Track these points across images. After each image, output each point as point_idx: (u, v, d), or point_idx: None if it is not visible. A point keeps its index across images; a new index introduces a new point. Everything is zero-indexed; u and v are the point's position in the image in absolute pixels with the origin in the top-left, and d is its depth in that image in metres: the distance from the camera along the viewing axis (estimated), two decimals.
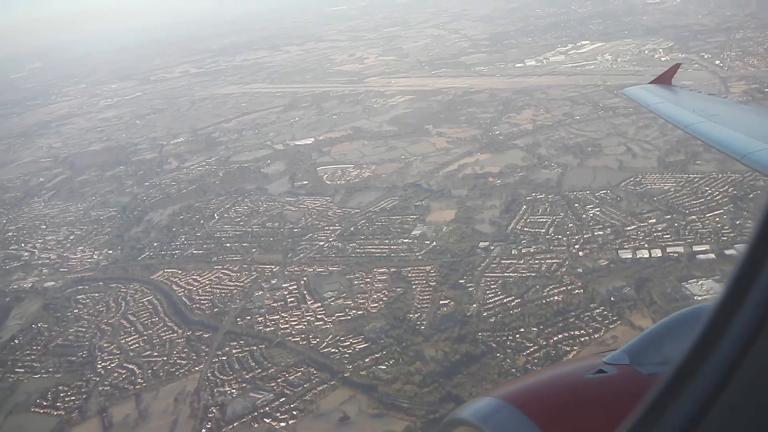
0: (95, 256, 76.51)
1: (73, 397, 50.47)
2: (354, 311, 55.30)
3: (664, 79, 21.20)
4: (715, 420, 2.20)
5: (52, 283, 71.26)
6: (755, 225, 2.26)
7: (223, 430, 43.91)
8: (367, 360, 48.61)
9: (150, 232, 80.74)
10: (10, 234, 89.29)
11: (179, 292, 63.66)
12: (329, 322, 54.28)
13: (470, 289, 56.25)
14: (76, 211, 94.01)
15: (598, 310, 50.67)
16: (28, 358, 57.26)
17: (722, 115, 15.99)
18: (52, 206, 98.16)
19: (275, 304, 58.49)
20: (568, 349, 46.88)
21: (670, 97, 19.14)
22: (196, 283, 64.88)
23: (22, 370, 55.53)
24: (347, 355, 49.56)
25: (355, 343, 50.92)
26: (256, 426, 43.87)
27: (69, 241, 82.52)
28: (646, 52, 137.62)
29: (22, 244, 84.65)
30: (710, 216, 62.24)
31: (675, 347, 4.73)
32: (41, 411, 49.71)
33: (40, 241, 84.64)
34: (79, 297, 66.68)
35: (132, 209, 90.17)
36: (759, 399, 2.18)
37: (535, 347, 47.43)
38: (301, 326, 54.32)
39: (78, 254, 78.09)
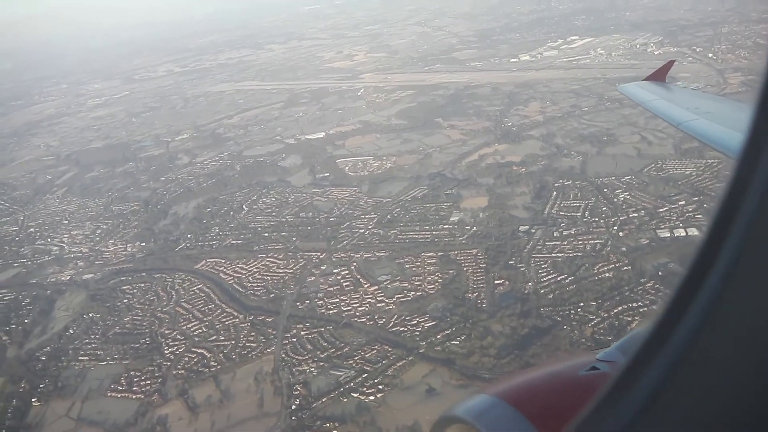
0: (129, 249, 77.00)
1: (148, 382, 51.43)
2: (413, 293, 57.18)
3: (659, 76, 21.38)
4: (662, 411, 2.30)
5: (91, 275, 71.59)
6: (711, 214, 2.33)
7: (314, 405, 45.38)
8: (438, 336, 50.55)
9: (179, 225, 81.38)
10: (32, 230, 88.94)
11: (228, 280, 64.74)
12: (390, 303, 56.09)
13: (522, 269, 58.58)
14: (95, 206, 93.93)
15: (649, 284, 53.42)
16: (89, 346, 57.89)
17: (716, 112, 16.34)
18: (69, 202, 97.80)
19: (331, 288, 60.02)
20: (629, 319, 49.48)
21: (665, 94, 19.44)
22: (243, 271, 66.02)
23: (86, 358, 56.18)
24: (417, 333, 51.46)
25: (422, 321, 52.84)
26: (345, 401, 45.48)
27: (97, 235, 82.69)
28: (638, 46, 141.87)
29: (48, 239, 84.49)
30: None
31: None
32: (118, 395, 50.56)
33: (66, 235, 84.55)
34: (125, 288, 67.25)
35: (154, 203, 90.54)
36: (704, 390, 2.26)
37: (599, 319, 49.95)
38: (363, 308, 56.02)
39: (110, 247, 78.44)
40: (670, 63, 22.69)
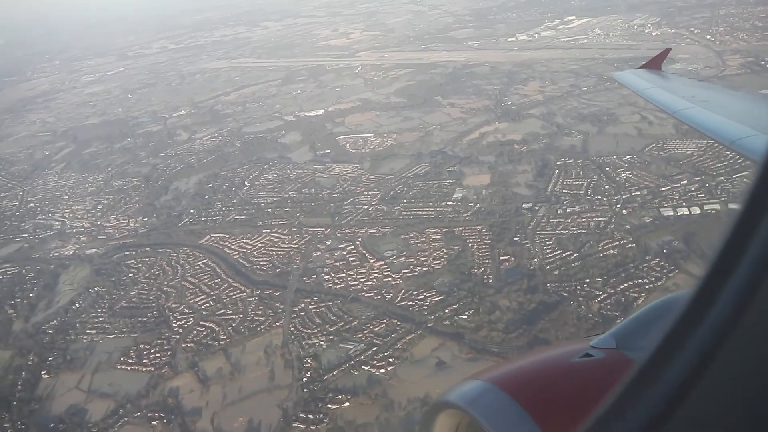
0: (131, 224, 77.07)
1: (158, 354, 51.80)
2: (419, 268, 57.67)
3: (655, 64, 21.35)
4: (689, 409, 2.19)
5: (94, 250, 71.65)
6: (737, 209, 2.21)
7: (325, 377, 45.90)
8: (446, 311, 51.11)
9: (181, 200, 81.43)
10: (32, 205, 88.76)
11: (234, 255, 65.04)
12: (397, 278, 56.57)
13: (526, 245, 59.15)
14: (95, 181, 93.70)
15: (654, 261, 54.09)
16: (96, 320, 58.15)
17: (712, 101, 16.22)
18: (68, 178, 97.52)
19: (337, 263, 60.45)
20: (635, 296, 50.14)
21: (660, 82, 19.37)
22: (248, 246, 66.30)
23: (94, 332, 56.48)
24: (425, 307, 52.00)
25: (429, 296, 53.38)
26: (356, 373, 46.02)
27: (99, 210, 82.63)
28: (635, 27, 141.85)
29: (49, 214, 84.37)
30: (737, 177, 65.99)
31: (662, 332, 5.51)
32: (128, 368, 50.96)
33: (67, 211, 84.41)
34: (129, 262, 67.41)
35: (155, 179, 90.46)
36: (735, 387, 2.15)
37: (605, 295, 50.63)
38: (370, 282, 56.50)
39: (112, 222, 78.49)
40: (666, 51, 22.69)
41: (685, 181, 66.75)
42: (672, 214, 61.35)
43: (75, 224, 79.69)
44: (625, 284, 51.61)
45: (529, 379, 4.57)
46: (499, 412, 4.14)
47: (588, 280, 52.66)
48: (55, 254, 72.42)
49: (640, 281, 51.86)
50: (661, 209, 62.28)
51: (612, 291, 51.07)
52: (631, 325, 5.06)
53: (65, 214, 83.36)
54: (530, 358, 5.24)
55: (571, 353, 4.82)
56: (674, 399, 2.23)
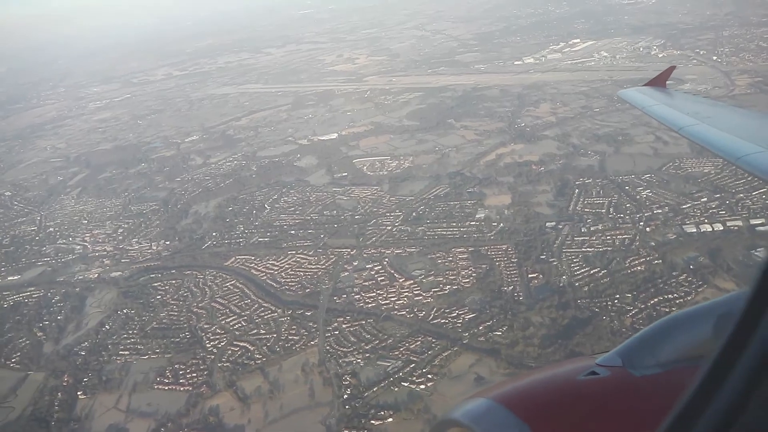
0: (154, 247, 77.61)
1: (194, 374, 52.21)
2: (448, 286, 58.30)
3: (659, 81, 21.47)
4: (753, 418, 2.16)
5: (119, 273, 72.15)
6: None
7: (365, 394, 46.32)
8: (480, 328, 51.72)
9: (202, 223, 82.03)
10: (51, 229, 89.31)
11: (261, 276, 65.60)
12: (428, 296, 57.18)
13: (554, 263, 59.89)
14: (113, 206, 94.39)
15: (682, 277, 54.90)
16: (128, 341, 58.57)
17: (716, 117, 16.28)
18: (85, 203, 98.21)
19: (366, 283, 61.05)
20: (666, 310, 50.69)
21: (665, 99, 19.41)
22: (275, 267, 66.86)
23: (127, 353, 56.88)
24: (459, 324, 52.58)
25: (461, 313, 53.97)
26: (396, 390, 46.46)
27: (120, 234, 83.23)
28: (641, 49, 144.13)
29: (69, 239, 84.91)
30: (756, 194, 67.01)
31: (668, 350, 4.90)
32: (165, 388, 51.37)
33: (87, 235, 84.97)
34: (156, 284, 67.91)
35: (173, 203, 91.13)
36: None
37: (636, 310, 51.33)
38: (401, 301, 57.08)
39: (135, 246, 79.02)
40: (671, 69, 22.90)
41: (705, 199, 67.69)
42: (695, 230, 62.21)
43: (97, 248, 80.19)
44: (655, 299, 52.32)
45: (534, 396, 4.59)
46: (504, 429, 4.18)
47: (618, 296, 53.34)
48: (80, 277, 72.87)
49: (669, 296, 52.54)
50: (683, 226, 63.19)
51: (642, 306, 51.74)
52: (636, 343, 5.08)
53: (86, 238, 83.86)
54: (535, 376, 5.19)
55: (577, 371, 4.82)
56: (736, 410, 2.28)
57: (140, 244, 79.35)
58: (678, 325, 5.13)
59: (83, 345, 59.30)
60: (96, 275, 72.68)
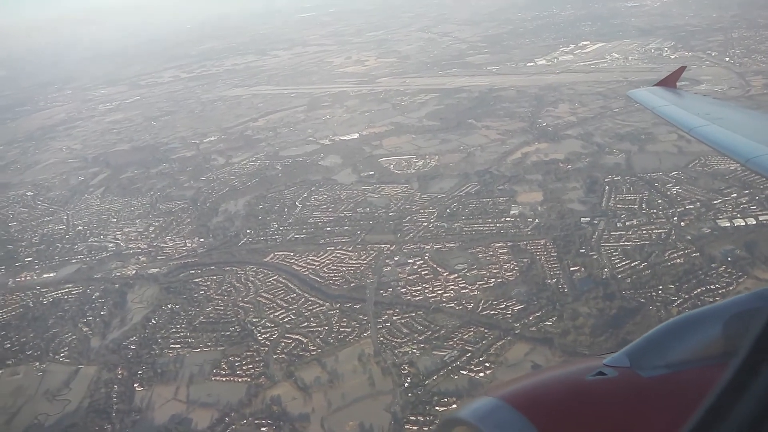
0: (189, 244, 78.54)
1: (250, 366, 53.15)
2: (492, 280, 59.55)
3: (669, 82, 21.40)
4: None
5: (157, 269, 73.06)
6: None
7: (426, 382, 47.46)
8: (530, 318, 52.97)
9: (234, 221, 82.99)
10: (80, 228, 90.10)
11: (303, 272, 66.59)
12: (474, 289, 58.41)
13: (594, 256, 61.25)
14: (140, 205, 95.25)
15: (721, 268, 56.35)
16: (178, 335, 59.48)
17: (726, 118, 16.28)
18: (111, 202, 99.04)
19: (410, 277, 62.21)
20: (710, 300, 52.04)
21: (675, 99, 19.50)
22: (316, 263, 67.90)
23: (178, 346, 57.79)
24: (509, 315, 53.82)
25: (510, 305, 55.21)
26: (455, 377, 47.63)
27: (152, 232, 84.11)
28: (653, 50, 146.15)
29: (101, 237, 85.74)
30: None
31: (676, 351, 4.94)
32: (223, 379, 52.27)
33: (118, 233, 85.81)
34: (197, 280, 68.81)
35: (202, 201, 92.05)
36: None
37: (681, 300, 52.63)
38: (448, 294, 58.27)
39: (169, 243, 79.94)
40: (681, 69, 22.89)
41: (735, 194, 69.18)
42: (729, 224, 63.70)
43: (130, 245, 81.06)
44: (698, 290, 53.65)
45: (541, 396, 4.61)
46: (510, 429, 4.21)
47: (661, 287, 54.68)
48: (117, 274, 73.75)
49: (711, 287, 53.90)
50: (717, 221, 64.62)
51: (687, 296, 53.05)
52: (644, 343, 5.17)
53: (117, 236, 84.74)
54: (543, 375, 5.26)
55: (584, 371, 4.87)
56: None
57: (174, 241, 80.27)
58: (685, 327, 5.24)
59: (132, 339, 60.15)
60: (133, 272, 73.59)
